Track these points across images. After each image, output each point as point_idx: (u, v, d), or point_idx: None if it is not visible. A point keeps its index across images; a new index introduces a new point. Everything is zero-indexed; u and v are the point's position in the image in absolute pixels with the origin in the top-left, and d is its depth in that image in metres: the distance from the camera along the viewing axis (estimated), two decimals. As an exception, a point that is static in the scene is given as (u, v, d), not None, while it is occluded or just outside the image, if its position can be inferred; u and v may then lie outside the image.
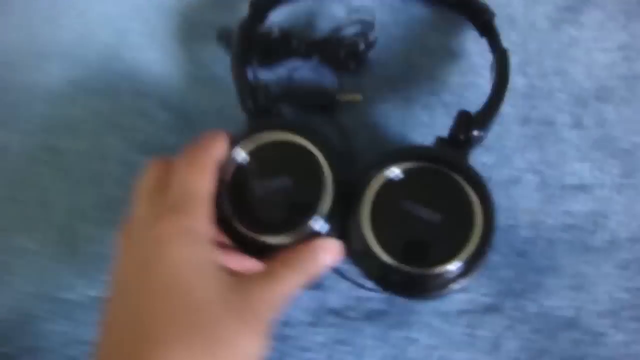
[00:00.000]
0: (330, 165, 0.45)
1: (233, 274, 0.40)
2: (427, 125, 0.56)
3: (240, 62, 0.51)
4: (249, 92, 0.49)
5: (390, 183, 0.45)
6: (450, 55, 0.59)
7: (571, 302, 0.49)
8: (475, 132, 0.46)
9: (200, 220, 0.41)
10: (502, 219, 0.49)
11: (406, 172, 0.45)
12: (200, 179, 0.42)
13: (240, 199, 0.46)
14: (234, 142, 0.46)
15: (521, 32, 0.59)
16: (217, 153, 0.45)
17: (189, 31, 0.62)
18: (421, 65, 0.58)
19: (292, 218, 0.45)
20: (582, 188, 0.53)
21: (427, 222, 0.43)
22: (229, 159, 0.46)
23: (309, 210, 0.44)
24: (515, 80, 0.57)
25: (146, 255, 0.39)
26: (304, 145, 0.46)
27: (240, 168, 0.46)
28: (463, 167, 0.45)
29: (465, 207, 0.44)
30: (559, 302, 0.49)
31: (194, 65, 0.60)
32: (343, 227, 0.45)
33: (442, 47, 0.59)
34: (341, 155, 0.47)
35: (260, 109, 0.49)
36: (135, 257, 0.40)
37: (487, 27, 0.54)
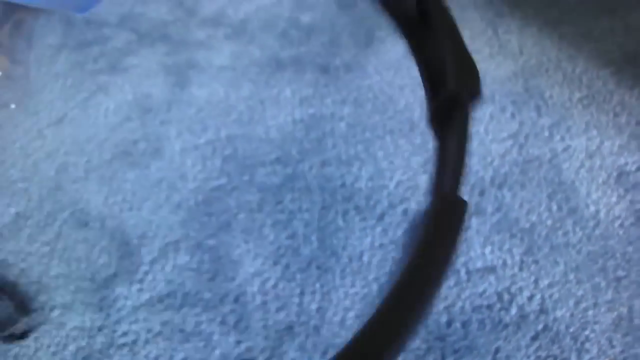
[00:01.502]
0: None
1: None
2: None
3: None
4: None
5: None
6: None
7: (491, 379, 0.52)
8: None
9: None
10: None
11: None
12: None
13: None
14: None
15: (419, 131, 0.65)
16: None
17: (122, 160, 0.67)
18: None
19: None
20: (488, 270, 0.57)
21: None
22: None
23: None
24: (421, 178, 0.62)
25: None
26: None
27: None
28: None
29: None
30: (480, 380, 0.52)
31: (129, 193, 0.64)
32: None
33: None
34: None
35: None
36: None
37: None
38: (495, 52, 0.74)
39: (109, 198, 0.64)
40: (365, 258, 0.58)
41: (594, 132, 0.65)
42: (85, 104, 0.73)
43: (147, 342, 0.56)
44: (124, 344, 0.56)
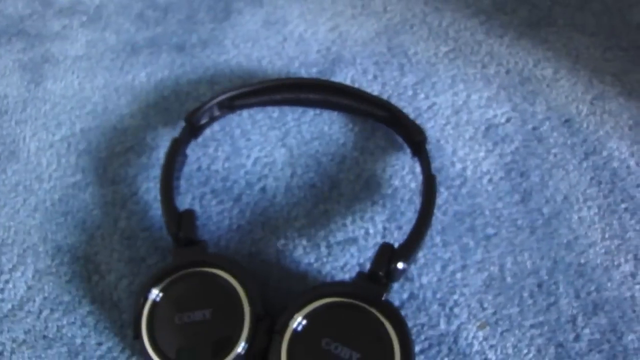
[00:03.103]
0: (251, 301, 0.46)
1: None
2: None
3: (169, 182, 0.53)
4: (174, 218, 0.50)
5: (308, 322, 0.45)
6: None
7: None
8: (400, 266, 0.46)
9: None
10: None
11: (322, 310, 0.45)
12: None
13: (159, 336, 0.46)
14: (158, 275, 0.48)
15: (280, 109, 0.62)
16: None
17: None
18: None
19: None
20: (349, 241, 0.54)
21: None
22: (144, 298, 0.47)
23: (228, 346, 0.45)
24: (279, 152, 0.59)
25: None
26: (224, 278, 0.47)
27: (155, 305, 0.47)
28: (380, 303, 0.45)
29: (384, 345, 0.43)
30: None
31: None
32: None
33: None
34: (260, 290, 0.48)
35: (184, 239, 0.50)
36: None
37: (419, 149, 0.55)
38: (358, 13, 0.71)
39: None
40: (222, 242, 0.54)
41: (461, 86, 0.63)
42: (-61, 112, 0.69)
43: (12, 352, 0.52)
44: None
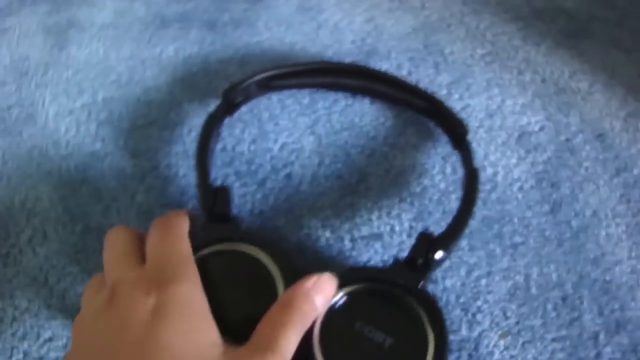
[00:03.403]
0: (286, 280, 0.44)
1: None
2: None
3: (204, 157, 0.52)
4: (209, 193, 0.49)
5: (341, 306, 0.44)
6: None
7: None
8: (438, 255, 0.45)
9: (196, 286, 0.40)
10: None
11: (359, 293, 0.45)
12: (181, 245, 0.42)
13: None
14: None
15: (311, 96, 0.61)
16: (185, 226, 0.45)
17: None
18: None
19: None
20: (374, 237, 0.53)
21: (379, 347, 0.42)
22: None
23: None
24: (308, 139, 0.58)
25: (136, 333, 0.37)
26: (258, 258, 0.46)
27: None
28: (417, 291, 0.44)
29: (418, 333, 0.43)
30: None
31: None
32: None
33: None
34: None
35: (217, 215, 0.48)
36: (118, 336, 0.37)
37: (459, 141, 0.55)
38: (395, 7, 0.70)
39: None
40: (243, 226, 0.53)
41: (496, 91, 0.61)
42: (-42, 69, 0.67)
43: (14, 319, 0.51)
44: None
